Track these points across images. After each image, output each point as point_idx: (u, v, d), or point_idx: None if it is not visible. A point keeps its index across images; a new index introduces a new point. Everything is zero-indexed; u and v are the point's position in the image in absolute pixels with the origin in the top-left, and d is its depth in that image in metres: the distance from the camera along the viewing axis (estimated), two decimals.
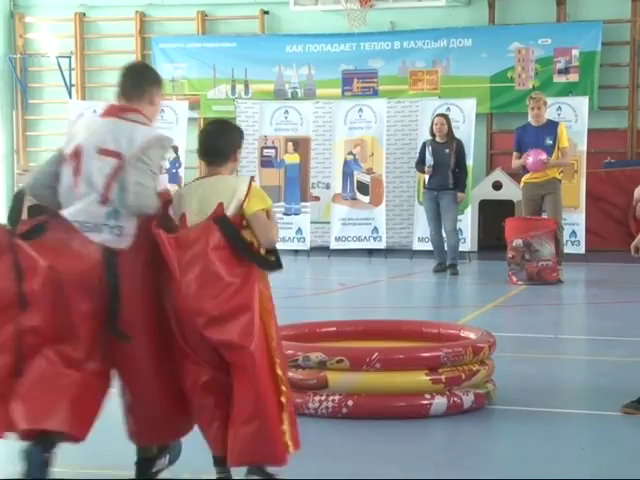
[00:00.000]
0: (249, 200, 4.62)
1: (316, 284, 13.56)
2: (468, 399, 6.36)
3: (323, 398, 6.28)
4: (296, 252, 15.85)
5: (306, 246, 15.84)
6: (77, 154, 4.70)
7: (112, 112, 4.82)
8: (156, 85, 4.95)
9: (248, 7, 17.59)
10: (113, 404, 7.03)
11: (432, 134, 13.54)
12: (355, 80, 17.16)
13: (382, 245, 15.68)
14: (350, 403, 6.26)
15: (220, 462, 4.80)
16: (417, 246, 15.31)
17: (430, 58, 16.79)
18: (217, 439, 4.72)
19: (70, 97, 17.91)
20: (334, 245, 15.74)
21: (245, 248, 4.61)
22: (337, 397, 6.26)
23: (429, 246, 14.19)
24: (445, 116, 13.72)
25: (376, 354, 6.26)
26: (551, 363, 8.04)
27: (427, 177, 13.49)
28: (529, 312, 10.67)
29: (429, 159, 13.36)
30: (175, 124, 16.43)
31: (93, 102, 17.36)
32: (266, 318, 4.70)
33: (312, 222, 15.92)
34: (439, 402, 6.27)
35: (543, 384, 7.17)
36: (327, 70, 17.15)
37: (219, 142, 4.83)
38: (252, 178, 4.83)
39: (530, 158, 12.39)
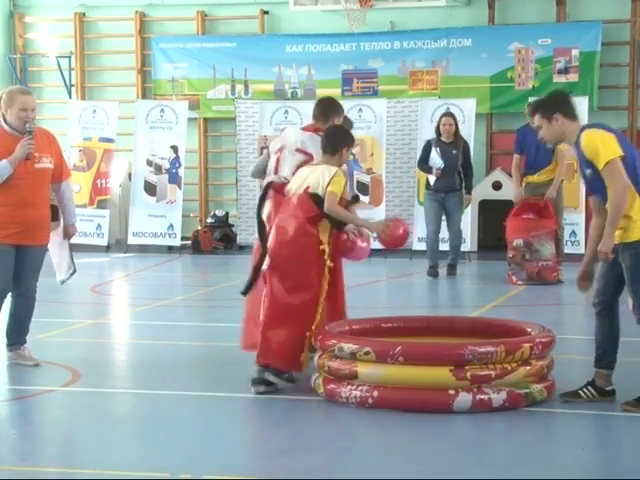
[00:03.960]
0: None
1: None
2: (499, 397, 6.37)
3: (353, 388, 6.42)
4: None
5: None
6: (281, 149, 7.72)
7: (308, 129, 7.92)
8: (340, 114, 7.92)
9: (248, 7, 17.57)
10: (113, 406, 7.05)
11: (438, 134, 13.13)
12: (355, 80, 17.15)
13: (382, 245, 15.61)
14: (375, 394, 6.37)
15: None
16: (417, 246, 15.29)
17: (430, 58, 16.78)
18: None
19: (70, 97, 17.89)
20: None
21: None
22: (365, 387, 6.41)
23: None
24: (453, 116, 13.37)
25: (399, 348, 6.36)
26: None
27: (433, 178, 13.06)
28: (529, 312, 10.66)
29: (439, 161, 12.94)
30: (175, 124, 16.44)
31: (93, 102, 17.37)
32: None
33: None
34: (463, 398, 6.29)
35: None
36: (327, 70, 17.13)
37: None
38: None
39: None
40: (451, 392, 6.32)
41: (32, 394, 7.12)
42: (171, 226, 16.26)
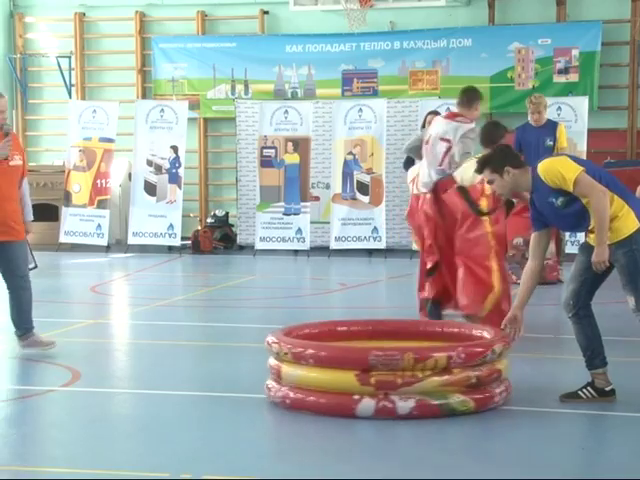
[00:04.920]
0: None
1: (316, 284, 13.55)
2: (405, 405, 6.18)
3: (278, 388, 6.54)
4: (296, 252, 15.84)
5: (306, 246, 15.83)
6: (428, 140, 8.99)
7: (449, 116, 9.15)
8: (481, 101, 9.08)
9: (248, 7, 17.57)
10: (113, 406, 7.05)
11: None
12: (355, 80, 17.14)
13: (382, 245, 15.67)
14: (292, 395, 6.44)
15: None
16: (417, 246, 15.27)
17: (430, 58, 16.77)
18: None
19: (70, 97, 17.89)
20: (334, 245, 15.73)
21: None
22: (285, 388, 6.48)
23: None
24: (439, 114, 13.41)
25: (309, 350, 6.35)
26: (551, 363, 8.05)
27: None
28: (529, 312, 10.61)
29: None
30: (175, 124, 16.43)
31: (93, 102, 17.36)
32: None
33: (312, 222, 15.92)
34: (366, 404, 6.20)
35: (543, 384, 7.17)
36: (327, 70, 17.13)
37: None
38: None
39: None
40: (355, 397, 6.20)
41: (32, 394, 7.12)
42: (171, 226, 16.26)
